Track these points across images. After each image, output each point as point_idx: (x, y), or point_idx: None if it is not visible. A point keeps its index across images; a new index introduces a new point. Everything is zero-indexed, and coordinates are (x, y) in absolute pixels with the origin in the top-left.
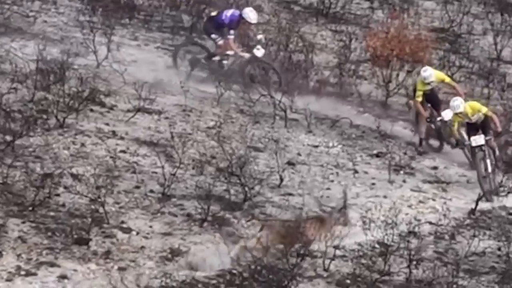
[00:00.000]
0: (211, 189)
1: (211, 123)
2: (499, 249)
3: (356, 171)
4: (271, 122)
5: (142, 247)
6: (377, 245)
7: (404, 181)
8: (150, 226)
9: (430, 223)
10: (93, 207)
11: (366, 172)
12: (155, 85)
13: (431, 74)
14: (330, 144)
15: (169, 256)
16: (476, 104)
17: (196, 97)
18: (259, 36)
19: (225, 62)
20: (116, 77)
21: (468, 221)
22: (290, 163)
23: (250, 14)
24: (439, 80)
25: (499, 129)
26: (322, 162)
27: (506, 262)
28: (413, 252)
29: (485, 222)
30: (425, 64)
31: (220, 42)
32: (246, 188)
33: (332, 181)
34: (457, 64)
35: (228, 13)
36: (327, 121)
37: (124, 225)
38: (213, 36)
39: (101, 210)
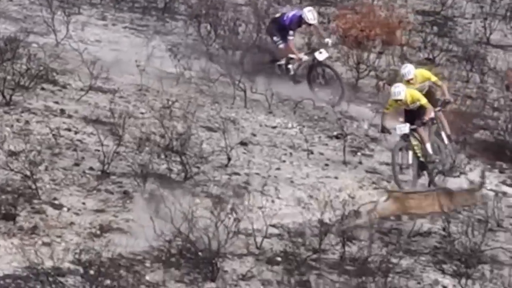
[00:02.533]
0: (148, 166)
1: (169, 103)
2: (443, 229)
3: (311, 152)
4: (231, 102)
5: (72, 223)
6: (317, 225)
7: (360, 162)
8: (83, 203)
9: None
10: (25, 183)
11: (321, 153)
12: (114, 64)
13: (409, 71)
14: (289, 125)
15: (98, 232)
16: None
17: (155, 77)
18: (327, 40)
19: (290, 66)
20: (75, 57)
21: None
22: (242, 143)
23: (308, 14)
24: (424, 79)
25: (447, 97)
26: (276, 142)
27: (449, 242)
28: (348, 231)
29: None
30: (397, 45)
31: (281, 45)
32: (187, 167)
33: (284, 161)
34: (443, 47)
35: (290, 14)
36: (290, 103)
37: (56, 202)
38: (274, 38)
39: (34, 186)
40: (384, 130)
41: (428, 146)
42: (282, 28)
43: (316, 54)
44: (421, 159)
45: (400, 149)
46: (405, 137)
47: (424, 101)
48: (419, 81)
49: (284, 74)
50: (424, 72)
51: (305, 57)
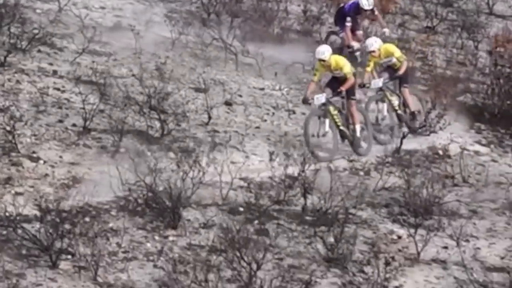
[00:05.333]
0: (125, 122)
1: (163, 66)
2: (406, 183)
3: (293, 112)
4: (223, 66)
5: (46, 174)
6: (287, 179)
7: None
8: (60, 156)
9: (351, 160)
10: (6, 138)
11: (303, 113)
12: (114, 29)
13: (372, 43)
14: (277, 88)
15: (70, 183)
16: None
17: (152, 41)
18: (385, 30)
19: (357, 53)
20: (77, 22)
21: (390, 159)
22: (227, 103)
23: (363, 0)
24: (388, 54)
25: (400, 73)
26: (261, 103)
27: (411, 196)
28: (309, 184)
29: (407, 161)
30: (390, 13)
31: (342, 34)
32: (165, 123)
33: (265, 120)
34: (444, 16)
35: (351, 1)
36: (281, 66)
37: (34, 155)
38: (337, 28)
39: (13, 140)
40: (305, 100)
41: (357, 127)
42: (343, 16)
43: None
44: (341, 128)
45: (318, 117)
46: (322, 106)
47: (347, 70)
48: (384, 55)
49: (355, 62)
50: (389, 47)
51: (356, 45)
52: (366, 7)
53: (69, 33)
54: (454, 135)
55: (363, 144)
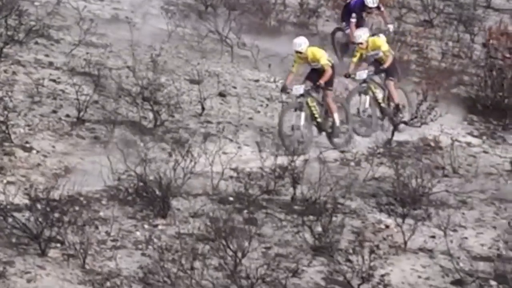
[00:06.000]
0: (119, 113)
1: (158, 58)
2: (396, 173)
3: (287, 104)
4: (219, 58)
5: (39, 164)
6: (277, 169)
7: None
8: (53, 146)
9: (342, 151)
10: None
11: None
12: (111, 22)
13: (360, 35)
14: (272, 79)
15: (62, 173)
16: (378, 41)
17: (149, 33)
18: (389, 26)
19: None
20: (75, 14)
21: (381, 150)
22: (221, 94)
23: None
24: (375, 47)
25: (385, 66)
26: (255, 94)
27: (401, 186)
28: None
29: (398, 152)
30: (388, 7)
31: (347, 30)
32: (157, 114)
33: (259, 112)
34: (442, 10)
35: None
36: (276, 59)
37: (27, 145)
38: (344, 24)
39: (6, 131)
40: (284, 89)
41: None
42: (349, 12)
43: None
44: (319, 120)
45: (295, 109)
46: (300, 97)
47: (323, 62)
48: (371, 48)
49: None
50: (377, 41)
51: None
52: (371, 5)
53: (67, 25)
54: (446, 127)
55: (342, 136)
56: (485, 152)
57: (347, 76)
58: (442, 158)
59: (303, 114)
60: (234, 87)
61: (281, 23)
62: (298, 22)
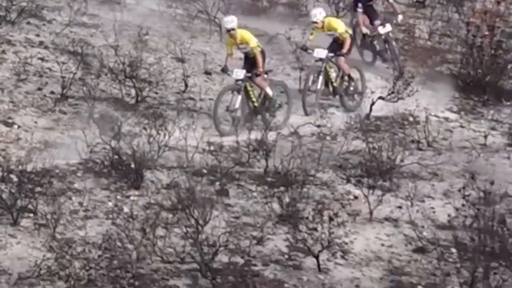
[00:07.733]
0: (100, 89)
1: (146, 37)
2: (373, 148)
3: (271, 81)
4: (208, 37)
5: (19, 139)
6: (253, 143)
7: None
8: (36, 122)
9: (318, 126)
10: None
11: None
12: (103, 2)
13: (315, 14)
14: None
15: (42, 147)
16: (334, 22)
17: (140, 14)
18: (399, 16)
19: (375, 42)
20: None
21: (358, 125)
22: (206, 72)
23: None
24: (331, 28)
25: (344, 51)
26: None
27: (370, 159)
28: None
29: (375, 126)
30: None
31: (355, 20)
32: (139, 90)
33: None
34: None
35: None
36: (265, 38)
37: (10, 120)
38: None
39: None
40: (224, 69)
41: (268, 90)
42: (357, 3)
43: (379, 28)
44: (255, 104)
45: (232, 91)
46: (239, 81)
47: (253, 44)
48: (327, 27)
49: (373, 52)
50: (332, 22)
51: (365, 30)
52: None
53: (60, 6)
54: (426, 103)
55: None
56: (461, 126)
57: (304, 49)
58: (418, 132)
59: (239, 97)
60: (220, 66)
61: (272, 3)
62: (289, 2)
